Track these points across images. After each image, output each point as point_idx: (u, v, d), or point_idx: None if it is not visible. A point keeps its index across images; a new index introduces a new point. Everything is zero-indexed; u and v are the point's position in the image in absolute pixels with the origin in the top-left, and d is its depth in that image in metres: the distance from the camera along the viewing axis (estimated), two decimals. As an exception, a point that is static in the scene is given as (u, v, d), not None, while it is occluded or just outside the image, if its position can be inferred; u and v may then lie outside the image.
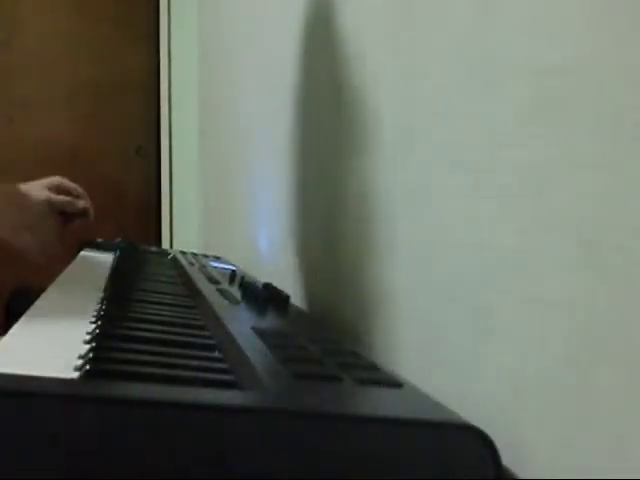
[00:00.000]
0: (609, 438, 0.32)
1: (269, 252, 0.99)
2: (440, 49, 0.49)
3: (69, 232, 0.94)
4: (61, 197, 0.92)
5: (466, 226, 0.45)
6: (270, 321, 0.60)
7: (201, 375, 0.40)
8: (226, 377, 0.41)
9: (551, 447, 0.36)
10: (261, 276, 0.91)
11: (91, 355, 0.41)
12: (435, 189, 0.49)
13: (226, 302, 0.65)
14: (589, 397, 0.33)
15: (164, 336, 0.50)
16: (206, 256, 1.20)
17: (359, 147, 0.65)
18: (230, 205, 1.43)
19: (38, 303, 0.59)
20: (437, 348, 0.48)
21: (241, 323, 0.54)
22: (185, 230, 2.18)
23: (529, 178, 0.38)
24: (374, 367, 0.46)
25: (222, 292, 0.71)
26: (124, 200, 2.34)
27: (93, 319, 0.53)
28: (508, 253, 0.40)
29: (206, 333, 0.54)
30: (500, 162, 0.41)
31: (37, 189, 0.90)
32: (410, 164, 0.54)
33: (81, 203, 0.96)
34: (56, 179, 0.94)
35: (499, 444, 0.35)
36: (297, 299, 0.82)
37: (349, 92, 0.68)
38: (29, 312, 0.54)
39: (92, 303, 0.60)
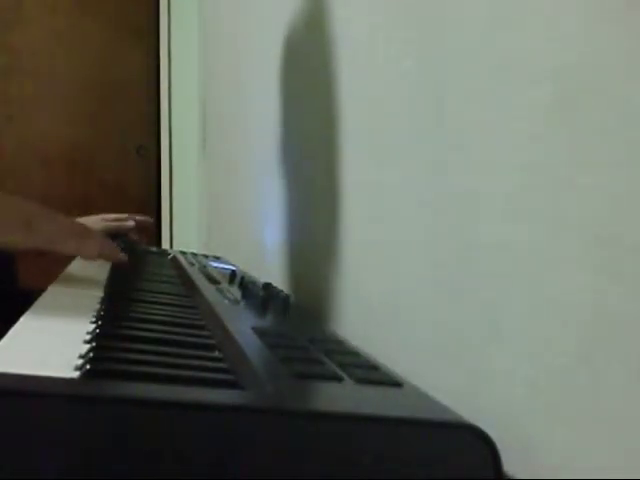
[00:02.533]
0: (622, 438, 0.32)
1: (269, 252, 0.99)
2: (454, 49, 0.49)
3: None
4: (114, 225, 1.21)
5: (476, 225, 0.45)
6: (270, 321, 0.60)
7: (201, 375, 0.40)
8: (226, 377, 0.41)
9: (563, 446, 0.36)
10: (261, 276, 0.91)
11: (91, 355, 0.41)
12: (446, 188, 0.49)
13: (226, 302, 0.65)
14: (602, 397, 0.33)
15: (164, 336, 0.50)
16: (206, 256, 1.20)
17: (363, 147, 0.65)
18: (230, 205, 1.43)
19: (38, 303, 0.59)
20: (447, 348, 0.48)
21: (241, 323, 0.54)
22: (185, 230, 2.18)
23: (543, 177, 0.38)
24: (374, 367, 0.46)
25: (222, 292, 0.71)
26: (124, 200, 2.34)
27: (93, 319, 0.53)
28: (520, 252, 0.40)
29: (206, 333, 0.54)
30: (513, 161, 0.41)
31: (93, 222, 1.18)
32: (420, 164, 0.54)
33: (129, 222, 1.21)
34: (104, 215, 1.24)
35: (509, 443, 0.34)
36: (297, 299, 0.82)
37: (353, 92, 0.68)
38: (29, 312, 0.54)
39: (92, 303, 0.60)
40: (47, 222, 0.73)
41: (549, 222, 0.38)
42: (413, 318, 0.54)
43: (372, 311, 0.62)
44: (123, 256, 0.80)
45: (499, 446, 0.34)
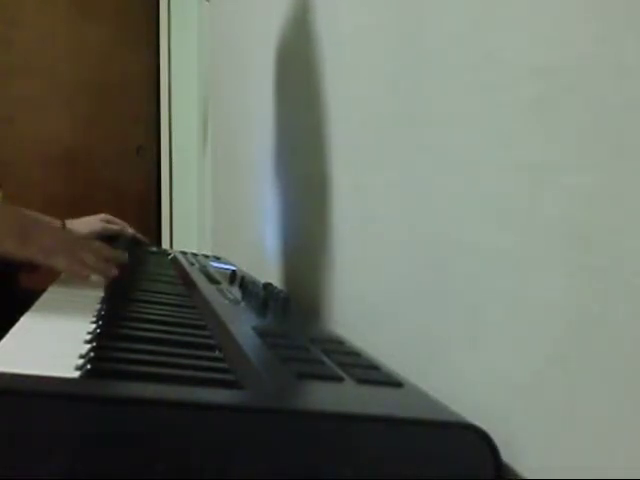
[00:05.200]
0: (598, 437, 0.32)
1: (269, 252, 0.99)
2: (438, 49, 0.49)
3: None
4: (115, 228, 1.20)
5: (458, 227, 0.45)
6: (270, 321, 0.60)
7: (202, 374, 0.40)
8: (227, 376, 0.41)
9: (541, 447, 0.36)
10: (262, 276, 0.91)
11: (92, 354, 0.41)
12: (430, 190, 0.49)
13: (226, 302, 0.65)
14: (579, 397, 0.33)
15: (164, 336, 0.50)
16: (206, 256, 1.20)
17: (357, 149, 0.65)
18: (230, 205, 1.43)
19: (38, 303, 0.59)
20: (429, 348, 0.48)
21: (241, 323, 0.54)
22: (185, 230, 2.18)
23: (524, 178, 0.38)
24: (375, 367, 0.46)
25: (222, 292, 0.71)
26: (124, 200, 2.34)
27: (93, 319, 0.53)
28: (499, 254, 0.40)
29: (206, 333, 0.54)
30: (493, 163, 0.41)
31: (92, 222, 1.18)
32: (406, 165, 0.54)
33: (128, 231, 1.21)
34: (104, 215, 1.22)
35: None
36: (297, 299, 0.81)
37: (346, 94, 0.68)
38: (29, 312, 0.54)
39: (92, 303, 0.60)
40: (43, 234, 0.73)
41: (530, 223, 0.38)
42: (397, 318, 0.54)
43: (362, 311, 0.62)
44: (116, 269, 0.76)
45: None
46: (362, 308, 0.62)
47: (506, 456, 0.37)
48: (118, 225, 1.23)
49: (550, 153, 0.36)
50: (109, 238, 1.19)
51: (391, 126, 0.57)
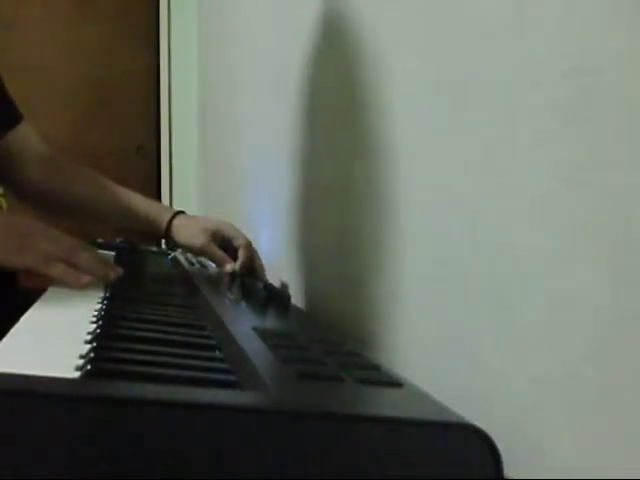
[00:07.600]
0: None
1: (270, 252, 0.99)
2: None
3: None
4: (216, 254, 0.92)
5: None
6: (271, 321, 0.60)
7: (202, 375, 0.40)
8: (227, 377, 0.41)
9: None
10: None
11: (92, 355, 0.41)
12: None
13: (227, 302, 0.65)
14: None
15: (164, 336, 0.50)
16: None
17: (373, 148, 0.64)
18: (231, 205, 1.43)
19: (38, 303, 0.59)
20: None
21: (242, 323, 0.54)
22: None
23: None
24: (375, 367, 0.46)
25: (222, 292, 0.71)
26: (124, 200, 2.33)
27: (93, 319, 0.53)
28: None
29: (207, 333, 0.54)
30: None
31: (197, 230, 0.94)
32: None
33: (228, 268, 0.90)
34: (222, 225, 0.96)
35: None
36: (298, 299, 0.81)
37: (362, 94, 0.67)
38: (29, 312, 0.54)
39: (92, 303, 0.60)
40: (37, 242, 0.70)
41: (564, 222, 0.37)
42: (426, 318, 0.54)
43: (381, 311, 0.62)
44: (116, 272, 0.73)
45: (511, 445, 0.34)
46: (385, 307, 0.61)
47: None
48: (218, 255, 0.92)
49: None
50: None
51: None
